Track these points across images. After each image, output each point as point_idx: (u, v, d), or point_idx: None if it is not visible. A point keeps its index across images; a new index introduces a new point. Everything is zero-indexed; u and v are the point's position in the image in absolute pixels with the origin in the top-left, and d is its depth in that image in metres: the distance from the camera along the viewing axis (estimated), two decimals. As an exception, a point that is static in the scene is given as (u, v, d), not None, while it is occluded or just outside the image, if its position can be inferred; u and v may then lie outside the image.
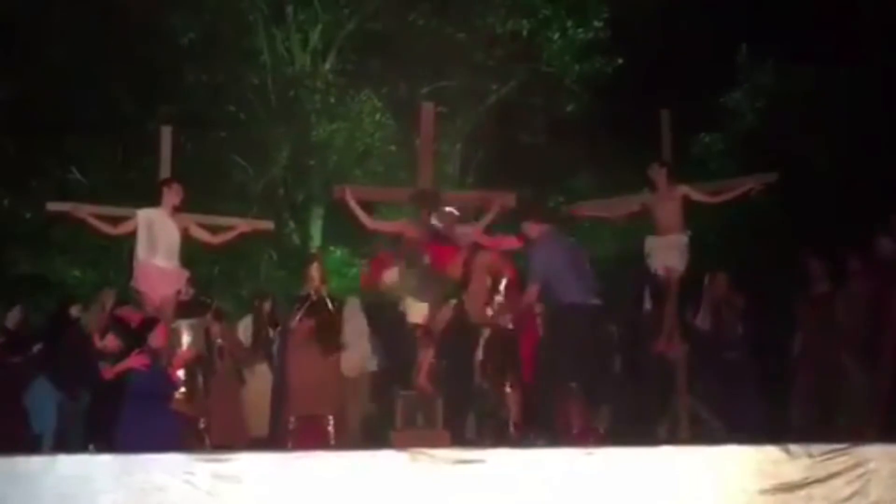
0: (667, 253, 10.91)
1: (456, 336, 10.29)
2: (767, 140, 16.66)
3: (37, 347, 10.60)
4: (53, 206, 11.52)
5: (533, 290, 9.69)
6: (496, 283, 10.09)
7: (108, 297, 11.06)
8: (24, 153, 16.93)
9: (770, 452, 7.44)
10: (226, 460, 7.21)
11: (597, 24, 18.19)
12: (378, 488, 7.22)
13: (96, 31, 16.76)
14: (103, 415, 9.33)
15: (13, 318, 11.02)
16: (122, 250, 11.38)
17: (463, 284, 10.15)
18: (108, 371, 9.54)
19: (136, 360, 9.38)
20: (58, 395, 10.12)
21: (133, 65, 17.08)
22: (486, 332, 10.10)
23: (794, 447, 7.43)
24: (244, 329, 11.48)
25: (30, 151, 16.91)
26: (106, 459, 7.28)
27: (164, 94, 17.05)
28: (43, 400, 10.03)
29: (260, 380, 11.15)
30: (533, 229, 9.93)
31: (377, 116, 17.40)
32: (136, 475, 7.07)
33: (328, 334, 10.41)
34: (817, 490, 7.37)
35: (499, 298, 10.04)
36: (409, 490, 7.22)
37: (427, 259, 9.96)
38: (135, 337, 9.63)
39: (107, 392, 9.41)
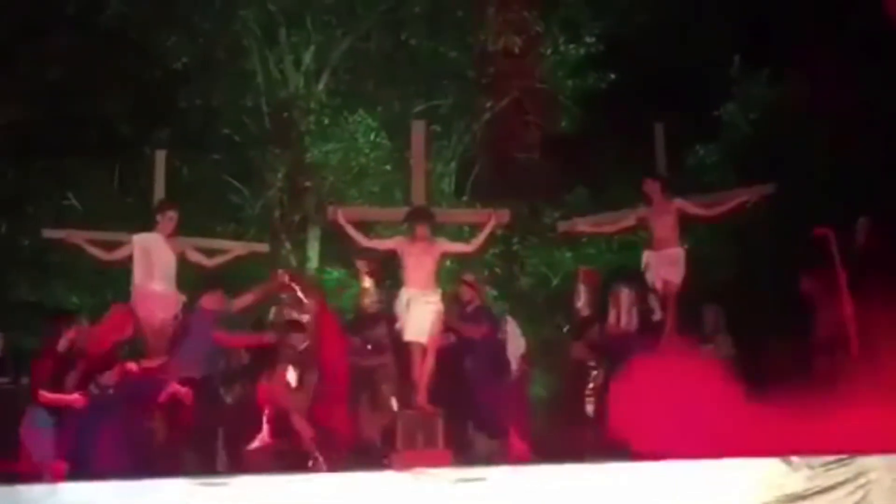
0: (664, 266, 10.93)
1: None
2: (763, 151, 16.67)
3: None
4: (49, 233, 11.56)
5: None
6: None
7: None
8: (20, 178, 16.95)
9: (771, 464, 7.44)
10: (226, 484, 7.21)
11: (589, 39, 18.21)
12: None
13: (92, 56, 16.82)
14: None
15: None
16: (120, 276, 11.37)
17: None
18: (45, 397, 9.54)
19: (74, 400, 9.43)
20: (53, 420, 10.02)
21: (128, 89, 17.14)
22: None
23: (795, 459, 7.43)
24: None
25: (26, 177, 16.94)
26: (107, 486, 7.26)
27: (159, 118, 17.09)
28: (39, 428, 9.91)
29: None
30: None
31: (372, 136, 17.39)
32: (138, 501, 7.06)
33: None
34: (819, 501, 7.38)
35: None
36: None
37: None
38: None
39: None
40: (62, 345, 10.02)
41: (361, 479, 7.46)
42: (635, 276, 11.13)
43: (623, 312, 10.88)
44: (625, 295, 10.95)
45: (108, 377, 9.68)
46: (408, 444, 9.42)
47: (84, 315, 10.88)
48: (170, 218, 10.58)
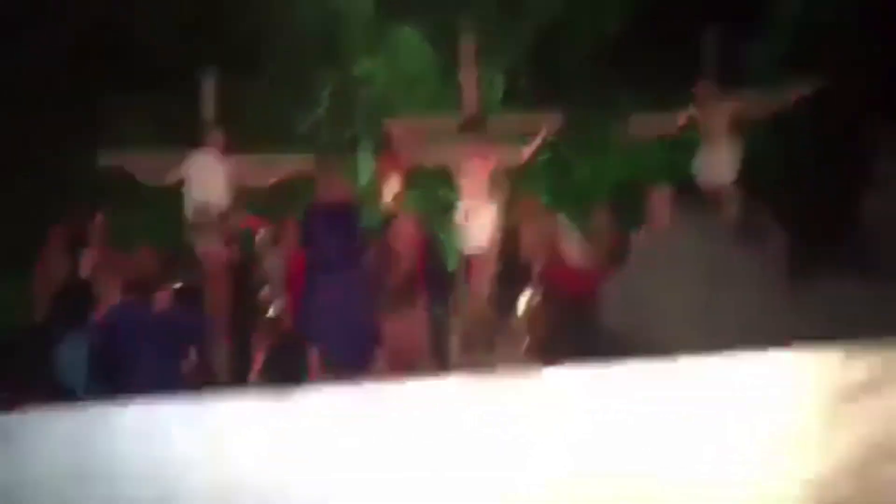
0: (715, 167, 10.89)
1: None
2: (815, 46, 16.43)
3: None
4: (105, 160, 11.69)
5: None
6: None
7: None
8: (73, 106, 17.05)
9: (832, 356, 7.40)
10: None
11: (641, -63, 17.93)
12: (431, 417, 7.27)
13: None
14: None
15: None
16: (177, 197, 11.47)
17: None
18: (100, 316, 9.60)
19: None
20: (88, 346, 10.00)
21: (173, 11, 17.16)
22: None
23: (854, 347, 7.39)
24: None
25: (76, 106, 17.02)
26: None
27: (205, 38, 17.09)
28: (75, 354, 9.90)
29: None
30: None
31: (419, 48, 17.34)
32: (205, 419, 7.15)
33: None
34: (883, 391, 7.34)
35: None
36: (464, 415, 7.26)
37: None
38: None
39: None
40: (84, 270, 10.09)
41: (421, 384, 7.51)
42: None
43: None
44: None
45: None
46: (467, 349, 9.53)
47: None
48: (216, 138, 10.67)
